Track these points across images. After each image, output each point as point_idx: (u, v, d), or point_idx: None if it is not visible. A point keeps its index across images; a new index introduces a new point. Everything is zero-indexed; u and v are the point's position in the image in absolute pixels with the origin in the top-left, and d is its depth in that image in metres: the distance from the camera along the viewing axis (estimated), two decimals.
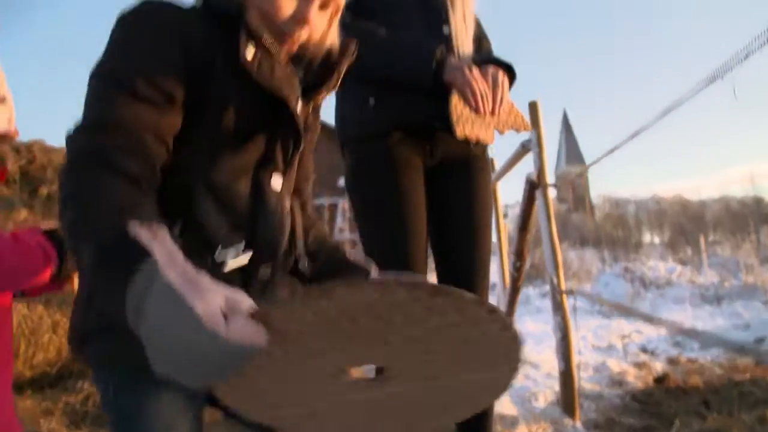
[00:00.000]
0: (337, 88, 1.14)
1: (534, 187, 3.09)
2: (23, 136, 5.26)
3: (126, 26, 0.91)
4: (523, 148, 3.33)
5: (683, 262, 15.74)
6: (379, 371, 0.73)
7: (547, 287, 9.04)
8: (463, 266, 1.77)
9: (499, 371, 0.76)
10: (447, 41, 1.78)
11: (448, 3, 1.83)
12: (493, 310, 0.65)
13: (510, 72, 1.80)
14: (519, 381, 4.05)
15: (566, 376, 2.93)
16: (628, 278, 10.64)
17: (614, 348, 5.41)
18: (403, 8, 1.80)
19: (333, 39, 1.10)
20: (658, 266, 11.27)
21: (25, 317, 3.58)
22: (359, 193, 1.81)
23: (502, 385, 0.81)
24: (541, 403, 3.50)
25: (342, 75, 1.12)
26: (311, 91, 1.09)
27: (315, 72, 1.10)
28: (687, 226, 27.43)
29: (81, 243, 0.74)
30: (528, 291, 10.52)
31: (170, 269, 0.63)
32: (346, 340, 0.66)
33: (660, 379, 3.64)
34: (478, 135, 1.68)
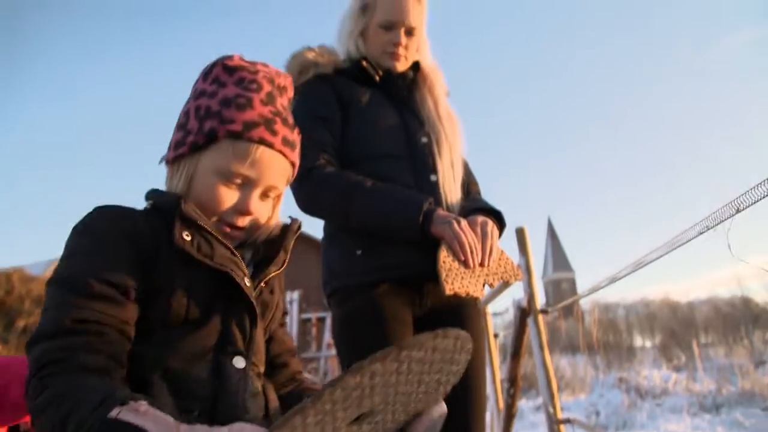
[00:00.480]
0: (285, 266, 1.18)
1: (525, 314, 3.08)
2: (2, 263, 5.24)
3: (78, 234, 0.99)
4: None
5: (678, 369, 15.53)
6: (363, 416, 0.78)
7: (540, 400, 8.85)
8: (458, 413, 1.70)
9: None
10: (434, 189, 1.80)
11: (435, 151, 1.85)
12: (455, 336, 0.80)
13: (499, 220, 1.82)
14: None
15: None
16: (623, 388, 10.44)
17: None
18: (390, 156, 1.82)
19: (277, 220, 1.18)
20: (653, 375, 11.12)
21: None
22: (347, 348, 1.76)
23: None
24: None
25: (289, 252, 1.17)
26: (260, 269, 1.14)
27: (262, 251, 1.17)
28: (678, 329, 27.22)
29: None
30: (521, 404, 10.29)
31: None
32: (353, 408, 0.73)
33: None
34: (467, 290, 1.65)
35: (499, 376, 4.63)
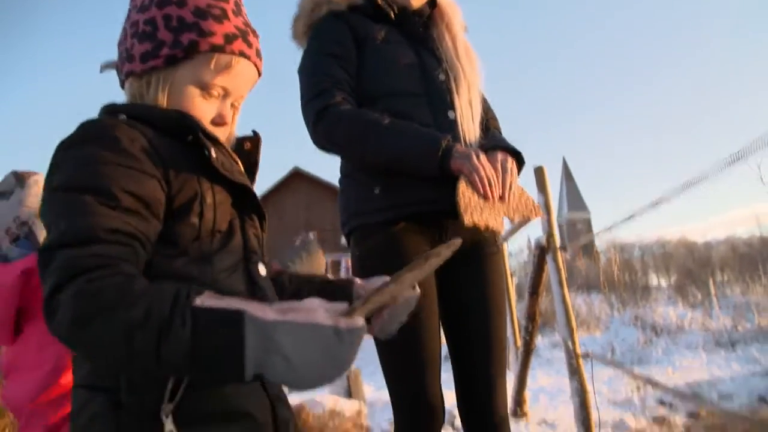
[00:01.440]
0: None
1: (544, 251, 3.08)
2: None
3: (89, 143, 0.92)
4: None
5: (693, 306, 15.56)
6: None
7: (557, 336, 8.93)
8: (479, 357, 1.71)
9: None
10: (452, 126, 1.76)
11: (453, 88, 1.81)
12: None
13: (518, 157, 1.79)
14: None
15: None
16: (639, 326, 10.51)
17: (631, 402, 5.31)
18: (407, 94, 1.78)
19: (234, 130, 1.19)
20: (668, 312, 11.14)
21: None
22: None
23: None
24: None
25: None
26: None
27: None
28: (694, 268, 27.14)
29: (156, 345, 0.72)
30: (537, 342, 10.37)
31: (267, 313, 0.74)
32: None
33: None
34: (486, 222, 1.64)
35: (516, 314, 4.68)
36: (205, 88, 1.07)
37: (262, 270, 1.08)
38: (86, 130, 0.95)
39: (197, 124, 1.02)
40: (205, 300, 0.75)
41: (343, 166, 1.89)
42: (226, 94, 1.11)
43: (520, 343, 4.17)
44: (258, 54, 1.13)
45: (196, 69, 1.06)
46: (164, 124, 1.01)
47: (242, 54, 1.08)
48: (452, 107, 1.80)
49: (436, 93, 1.81)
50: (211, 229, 0.99)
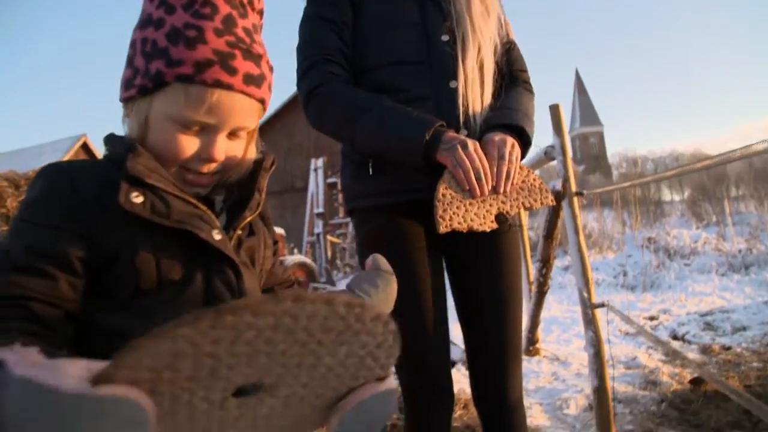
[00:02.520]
0: (260, 208, 1.05)
1: (560, 196, 2.94)
2: (21, 166, 5.17)
3: (24, 197, 0.90)
4: (546, 156, 3.17)
5: (707, 226, 15.50)
6: (256, 387, 0.69)
7: (569, 259, 8.92)
8: (493, 342, 1.61)
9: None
10: (453, 97, 1.58)
11: (459, 51, 1.61)
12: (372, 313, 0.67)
13: (522, 136, 1.60)
14: (548, 382, 3.98)
15: (600, 393, 2.80)
16: (651, 248, 10.44)
17: (648, 332, 5.30)
18: (405, 62, 1.61)
19: (253, 155, 1.06)
20: (682, 234, 11.06)
21: None
22: None
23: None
24: (572, 410, 3.41)
25: (264, 192, 1.06)
26: (236, 215, 1.01)
27: (236, 193, 1.05)
28: (708, 183, 26.98)
29: None
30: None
31: (21, 366, 0.56)
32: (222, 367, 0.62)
33: (696, 381, 3.51)
34: (469, 224, 1.48)
35: (529, 254, 4.60)
36: (182, 124, 0.93)
37: None
38: (30, 183, 0.90)
39: (124, 166, 0.88)
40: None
41: (342, 146, 1.75)
42: (210, 127, 0.95)
43: (533, 283, 4.09)
44: (248, 79, 0.95)
45: (168, 102, 0.92)
46: (119, 163, 0.90)
47: (218, 84, 0.91)
48: (455, 75, 1.61)
49: (437, 59, 1.62)
50: (156, 280, 0.88)
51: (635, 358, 4.29)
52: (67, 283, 0.83)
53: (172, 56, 0.90)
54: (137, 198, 0.87)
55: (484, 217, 1.50)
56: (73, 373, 0.55)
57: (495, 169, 1.48)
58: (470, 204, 1.48)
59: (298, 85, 1.63)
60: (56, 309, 0.82)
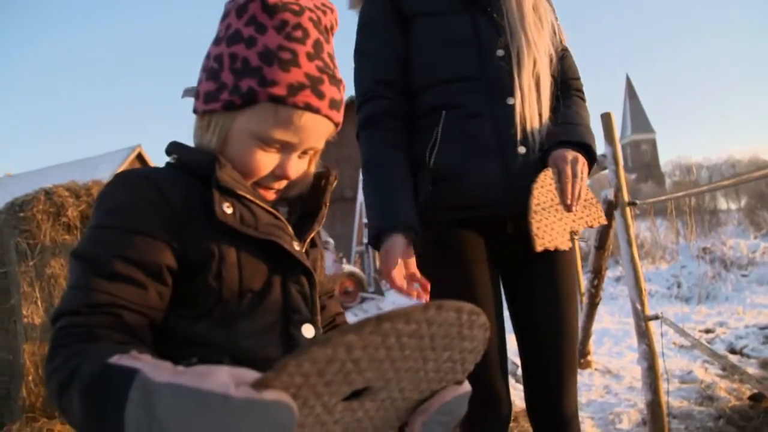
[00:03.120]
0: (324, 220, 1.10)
1: (612, 206, 2.89)
2: (79, 176, 5.33)
3: (100, 204, 0.91)
4: (597, 165, 3.12)
5: (766, 235, 15.01)
6: (362, 391, 0.72)
7: (621, 269, 8.74)
8: (550, 357, 1.59)
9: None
10: (511, 114, 1.57)
11: (514, 66, 1.59)
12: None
13: (588, 153, 1.59)
14: (600, 396, 3.90)
15: (654, 407, 2.76)
16: (707, 258, 10.14)
17: (704, 345, 5.16)
18: (461, 79, 1.60)
19: (312, 171, 1.09)
20: (739, 244, 10.70)
21: None
22: (430, 280, 1.52)
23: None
24: (625, 425, 3.34)
25: (327, 207, 1.10)
26: (303, 227, 1.06)
27: (299, 207, 1.09)
28: (766, 191, 26.12)
29: (68, 397, 0.71)
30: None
31: (162, 374, 0.61)
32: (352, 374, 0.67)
33: (756, 397, 3.40)
34: (556, 243, 1.50)
35: (580, 265, 4.53)
36: (264, 141, 0.97)
37: (308, 331, 0.96)
38: (105, 189, 0.92)
39: (214, 177, 0.90)
40: (122, 358, 0.68)
41: None
42: (289, 147, 0.99)
43: (584, 296, 4.03)
44: (333, 104, 0.99)
45: (254, 119, 0.95)
46: (196, 171, 0.95)
47: (308, 107, 0.95)
48: (512, 91, 1.58)
49: (493, 75, 1.59)
50: (237, 290, 0.90)
51: (690, 372, 4.18)
52: (156, 292, 0.85)
53: (266, 76, 0.93)
54: (228, 208, 0.90)
55: (563, 236, 1.53)
56: (221, 379, 0.58)
57: (569, 188, 1.48)
58: (553, 223, 1.50)
59: (357, 110, 1.68)
60: (143, 318, 0.84)
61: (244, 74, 0.94)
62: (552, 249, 1.49)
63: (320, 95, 0.96)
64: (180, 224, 0.88)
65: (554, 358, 1.59)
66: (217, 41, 1.00)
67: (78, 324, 0.79)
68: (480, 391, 1.57)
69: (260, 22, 0.96)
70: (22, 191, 4.06)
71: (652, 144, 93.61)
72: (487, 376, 1.56)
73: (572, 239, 1.59)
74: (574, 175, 1.49)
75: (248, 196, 0.94)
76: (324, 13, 1.02)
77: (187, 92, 1.06)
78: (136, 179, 0.91)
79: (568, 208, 1.49)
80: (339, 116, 1.02)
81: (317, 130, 0.99)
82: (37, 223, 3.75)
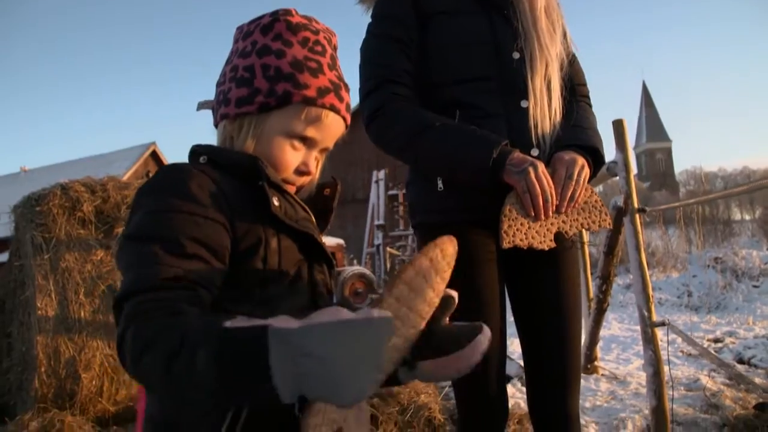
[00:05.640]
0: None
1: (621, 213, 2.91)
2: (94, 172, 5.39)
3: (159, 191, 0.98)
4: (608, 171, 3.14)
5: None
6: None
7: (631, 277, 8.74)
8: (555, 358, 1.61)
9: None
10: (525, 117, 1.58)
11: (528, 69, 1.60)
12: None
13: (594, 156, 1.60)
14: (605, 401, 3.92)
15: (658, 414, 2.77)
16: (718, 268, 10.08)
17: (710, 353, 5.15)
18: (476, 79, 1.61)
19: (317, 176, 1.23)
20: (751, 255, 10.62)
21: (107, 356, 3.66)
22: None
23: None
24: (629, 431, 3.34)
25: (334, 211, 1.24)
26: (319, 225, 1.20)
27: (310, 210, 1.19)
28: None
29: (183, 365, 0.73)
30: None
31: (290, 322, 0.70)
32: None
33: (762, 407, 3.39)
34: (530, 242, 1.50)
35: (589, 270, 4.53)
36: (293, 138, 1.11)
37: None
38: (160, 178, 1.01)
39: (264, 174, 1.03)
40: (235, 322, 0.74)
41: None
42: (313, 144, 1.14)
43: (593, 301, 4.04)
44: (348, 108, 1.17)
45: (287, 119, 1.10)
46: (237, 170, 1.05)
47: (332, 108, 1.12)
48: (526, 94, 1.60)
49: (508, 76, 1.61)
50: (277, 274, 1.02)
51: (697, 381, 4.17)
52: (220, 272, 0.94)
53: (299, 80, 1.09)
54: (277, 202, 1.03)
55: (544, 236, 1.52)
56: (346, 312, 0.70)
57: (560, 189, 1.50)
58: (532, 222, 1.50)
59: (361, 104, 1.65)
60: (211, 294, 0.92)
61: (278, 80, 1.09)
62: (524, 247, 1.50)
63: (341, 99, 1.14)
64: (233, 213, 0.98)
65: (557, 361, 1.61)
66: (244, 55, 1.14)
67: (158, 299, 0.84)
68: (477, 392, 1.60)
69: (286, 38, 1.12)
70: (36, 186, 4.12)
71: (668, 153, 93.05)
72: (485, 380, 1.58)
73: (570, 240, 1.61)
74: (568, 177, 1.50)
75: (289, 191, 1.10)
76: (332, 35, 1.21)
77: (202, 105, 1.22)
78: (193, 170, 1.00)
79: (556, 209, 1.51)
80: (349, 119, 1.19)
81: (336, 129, 1.16)
82: (53, 217, 3.81)
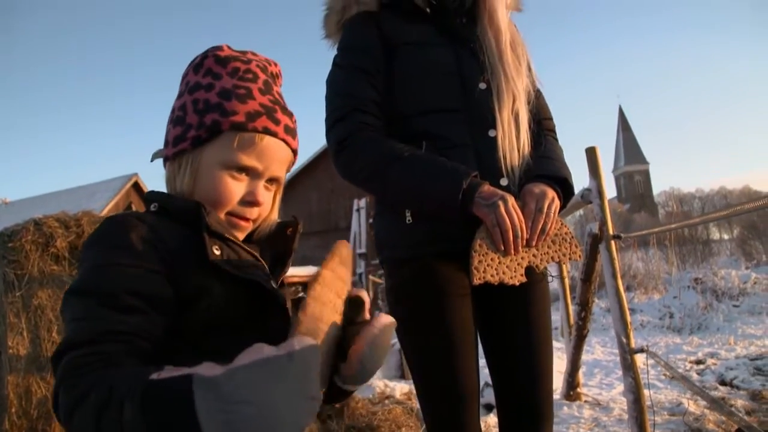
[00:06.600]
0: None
1: (597, 240, 2.91)
2: (74, 205, 5.33)
3: (97, 245, 0.96)
4: (582, 199, 3.14)
5: (758, 266, 15.04)
6: None
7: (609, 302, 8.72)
8: (528, 400, 1.58)
9: None
10: (493, 146, 1.57)
11: (495, 100, 1.60)
12: None
13: (564, 187, 1.59)
14: (588, 428, 3.88)
15: None
16: (698, 289, 10.15)
17: (689, 379, 5.14)
18: (443, 111, 1.59)
19: (276, 212, 1.20)
20: (730, 274, 10.72)
21: None
22: (401, 323, 1.47)
23: None
24: None
25: (294, 252, 1.20)
26: (273, 272, 1.14)
27: (268, 251, 1.17)
28: (758, 221, 26.24)
29: (110, 420, 0.72)
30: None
31: (214, 369, 0.69)
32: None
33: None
34: (501, 277, 1.48)
35: (570, 299, 4.53)
36: (230, 168, 1.08)
37: None
38: (102, 230, 0.98)
39: (204, 222, 1.00)
40: (162, 373, 0.73)
41: None
42: (255, 173, 1.10)
43: (573, 328, 4.03)
44: (288, 130, 1.13)
45: (220, 149, 1.07)
46: (184, 217, 1.03)
47: (266, 130, 1.08)
48: (494, 124, 1.59)
49: (476, 108, 1.60)
50: (222, 322, 0.98)
51: (680, 404, 4.16)
52: (160, 322, 0.91)
53: (226, 108, 1.06)
54: (217, 251, 1.00)
55: (515, 270, 1.51)
56: (267, 348, 0.71)
57: (530, 223, 1.48)
58: (502, 258, 1.49)
59: (327, 135, 1.62)
60: (151, 347, 0.89)
61: (207, 111, 1.07)
62: (495, 283, 1.48)
63: (276, 121, 1.10)
64: (173, 262, 0.96)
65: (528, 396, 1.58)
66: (179, 96, 1.14)
67: (93, 352, 0.82)
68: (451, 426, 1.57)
69: (216, 72, 1.11)
70: (17, 219, 4.06)
71: (646, 175, 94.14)
72: (458, 415, 1.55)
73: (540, 273, 1.59)
74: (539, 210, 1.49)
75: (232, 238, 1.05)
76: (269, 64, 1.19)
77: (156, 155, 1.18)
78: (131, 220, 0.98)
79: (526, 244, 1.50)
80: (295, 143, 1.16)
81: (277, 154, 1.11)
82: (26, 254, 3.73)
